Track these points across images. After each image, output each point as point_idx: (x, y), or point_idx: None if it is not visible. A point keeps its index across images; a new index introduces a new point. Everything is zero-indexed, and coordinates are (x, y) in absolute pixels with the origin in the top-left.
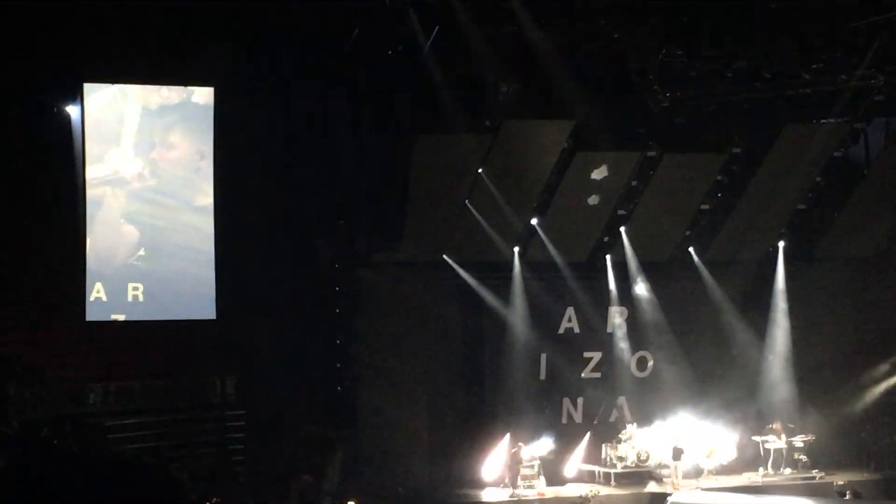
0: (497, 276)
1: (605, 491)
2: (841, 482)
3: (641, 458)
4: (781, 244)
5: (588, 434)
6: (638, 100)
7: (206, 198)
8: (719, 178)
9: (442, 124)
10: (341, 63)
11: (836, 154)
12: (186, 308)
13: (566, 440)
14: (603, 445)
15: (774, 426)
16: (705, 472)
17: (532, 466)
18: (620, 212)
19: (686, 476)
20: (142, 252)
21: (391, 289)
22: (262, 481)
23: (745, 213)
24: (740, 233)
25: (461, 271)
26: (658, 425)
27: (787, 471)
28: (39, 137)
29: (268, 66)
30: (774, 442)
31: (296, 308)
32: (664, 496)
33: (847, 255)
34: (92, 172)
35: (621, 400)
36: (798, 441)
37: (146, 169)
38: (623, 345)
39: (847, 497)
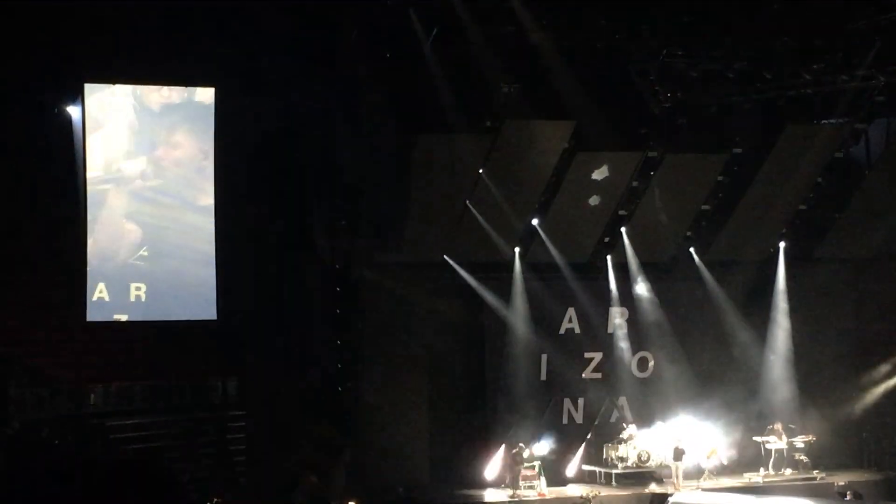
0: (498, 276)
1: (605, 491)
2: (842, 483)
3: (642, 458)
4: (782, 244)
5: (589, 434)
6: (639, 100)
7: (209, 198)
8: (720, 178)
9: (443, 125)
10: (342, 63)
11: (837, 154)
12: (187, 308)
13: (567, 441)
14: (604, 446)
15: (775, 427)
16: (706, 472)
17: (533, 467)
18: (621, 212)
19: (687, 476)
20: (143, 252)
21: (392, 289)
22: (265, 482)
23: (746, 213)
24: (741, 233)
25: (462, 271)
26: (659, 426)
27: (788, 471)
28: (40, 137)
29: (268, 66)
30: (775, 442)
31: (296, 308)
32: (665, 497)
33: (848, 255)
34: (94, 171)
35: (622, 400)
36: (799, 441)
37: (149, 168)
38: (624, 345)
39: (848, 498)
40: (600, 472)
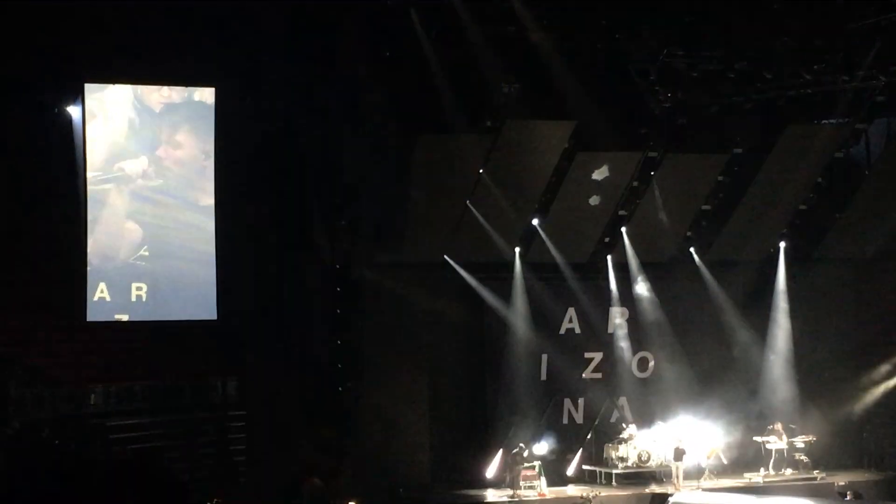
0: (498, 276)
1: (605, 492)
2: (842, 483)
3: (642, 458)
4: (783, 244)
5: (589, 435)
6: (639, 100)
7: (210, 198)
8: (720, 178)
9: (443, 124)
10: (342, 63)
11: (837, 154)
12: (188, 308)
13: (567, 441)
14: (604, 446)
15: (775, 427)
16: (706, 472)
17: (533, 467)
18: (621, 212)
19: (687, 476)
20: (144, 251)
21: (392, 289)
22: (265, 482)
23: (746, 213)
24: (742, 233)
25: (462, 272)
26: (659, 426)
27: (789, 471)
28: (40, 137)
29: (268, 66)
30: (775, 442)
31: (296, 308)
32: (665, 497)
33: (848, 255)
34: (94, 171)
35: (622, 400)
36: (799, 441)
37: (150, 168)
38: (624, 345)
39: (848, 498)
40: (600, 473)
